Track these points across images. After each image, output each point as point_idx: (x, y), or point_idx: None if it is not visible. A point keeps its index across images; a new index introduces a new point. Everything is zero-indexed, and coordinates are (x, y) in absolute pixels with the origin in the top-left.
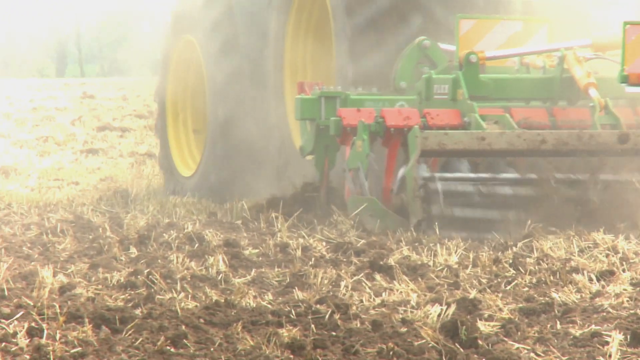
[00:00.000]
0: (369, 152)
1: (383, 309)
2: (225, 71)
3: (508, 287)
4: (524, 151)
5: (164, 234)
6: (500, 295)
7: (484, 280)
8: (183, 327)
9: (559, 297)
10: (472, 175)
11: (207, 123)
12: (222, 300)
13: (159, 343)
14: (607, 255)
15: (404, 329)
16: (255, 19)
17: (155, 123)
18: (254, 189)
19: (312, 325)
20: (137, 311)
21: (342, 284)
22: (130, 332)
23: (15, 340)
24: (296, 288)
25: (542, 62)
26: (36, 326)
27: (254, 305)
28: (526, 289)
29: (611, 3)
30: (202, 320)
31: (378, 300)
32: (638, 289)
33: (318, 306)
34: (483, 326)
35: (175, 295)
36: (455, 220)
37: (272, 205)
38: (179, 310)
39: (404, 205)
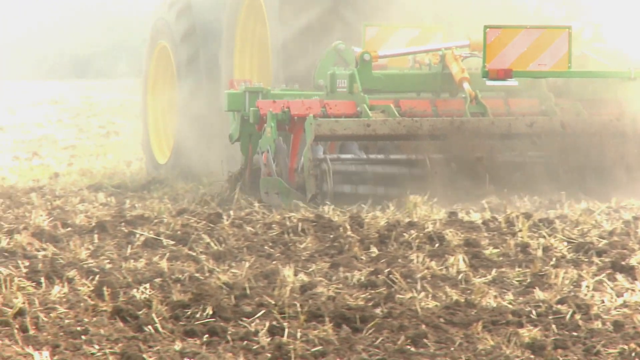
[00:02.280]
0: (276, 137)
1: (625, 310)
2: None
3: None
4: (404, 136)
5: (404, 234)
6: None
7: None
8: (423, 326)
9: None
10: (355, 156)
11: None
12: (463, 300)
13: (399, 342)
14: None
15: None
16: (212, 28)
17: None
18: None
19: (553, 326)
20: (378, 310)
21: (584, 284)
22: (370, 331)
23: (256, 338)
24: (537, 288)
25: (428, 60)
26: (277, 325)
27: (495, 305)
28: None
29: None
30: (442, 320)
31: (620, 301)
32: None
33: (559, 306)
34: None
35: (415, 294)
36: (342, 194)
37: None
38: (419, 310)
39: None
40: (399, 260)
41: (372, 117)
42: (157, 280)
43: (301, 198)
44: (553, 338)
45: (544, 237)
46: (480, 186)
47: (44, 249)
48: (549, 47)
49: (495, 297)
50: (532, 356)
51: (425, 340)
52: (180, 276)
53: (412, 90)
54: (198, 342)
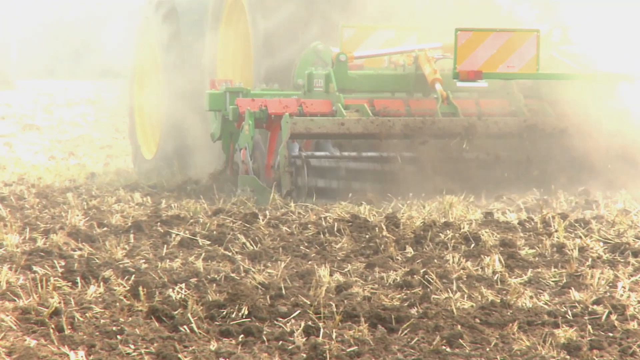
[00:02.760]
0: (254, 134)
1: None
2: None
3: None
4: (376, 134)
5: (440, 234)
6: None
7: None
8: (459, 327)
9: None
10: (329, 154)
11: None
12: (498, 300)
13: (434, 342)
14: None
15: None
16: (196, 29)
17: None
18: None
19: (589, 326)
20: (413, 311)
21: (619, 284)
22: (405, 331)
23: (292, 338)
24: (572, 288)
25: (402, 61)
26: (313, 325)
27: (530, 306)
28: None
29: None
30: (477, 320)
31: None
32: None
33: (595, 307)
34: None
35: (451, 295)
36: (316, 189)
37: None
38: (454, 310)
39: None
40: (435, 260)
41: (347, 116)
42: (193, 280)
43: (275, 191)
44: (589, 339)
45: (580, 237)
46: (448, 182)
47: (80, 249)
48: (517, 50)
49: (531, 297)
50: (567, 357)
51: (460, 341)
52: (215, 276)
53: (387, 90)
54: (233, 342)
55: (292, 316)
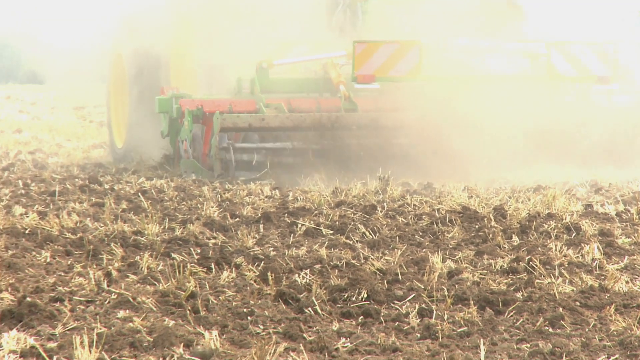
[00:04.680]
0: (192, 128)
1: None
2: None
3: None
4: (292, 127)
5: (544, 224)
6: None
7: None
8: (560, 309)
9: None
10: (253, 145)
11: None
12: (597, 285)
13: (537, 324)
14: None
15: None
16: (154, 49)
17: None
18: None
19: None
20: (518, 294)
21: None
22: (511, 313)
23: (407, 319)
24: None
25: (320, 67)
26: (426, 307)
27: (626, 290)
28: None
29: None
30: (577, 303)
31: None
32: None
33: None
34: None
35: (553, 280)
36: (241, 174)
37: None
38: (556, 294)
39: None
40: (539, 248)
41: (266, 113)
42: (317, 266)
43: (210, 175)
44: None
45: None
46: (350, 167)
47: (214, 238)
48: (404, 58)
49: (627, 282)
50: None
51: (562, 322)
52: (337, 263)
53: (302, 91)
54: (353, 322)
55: (407, 299)
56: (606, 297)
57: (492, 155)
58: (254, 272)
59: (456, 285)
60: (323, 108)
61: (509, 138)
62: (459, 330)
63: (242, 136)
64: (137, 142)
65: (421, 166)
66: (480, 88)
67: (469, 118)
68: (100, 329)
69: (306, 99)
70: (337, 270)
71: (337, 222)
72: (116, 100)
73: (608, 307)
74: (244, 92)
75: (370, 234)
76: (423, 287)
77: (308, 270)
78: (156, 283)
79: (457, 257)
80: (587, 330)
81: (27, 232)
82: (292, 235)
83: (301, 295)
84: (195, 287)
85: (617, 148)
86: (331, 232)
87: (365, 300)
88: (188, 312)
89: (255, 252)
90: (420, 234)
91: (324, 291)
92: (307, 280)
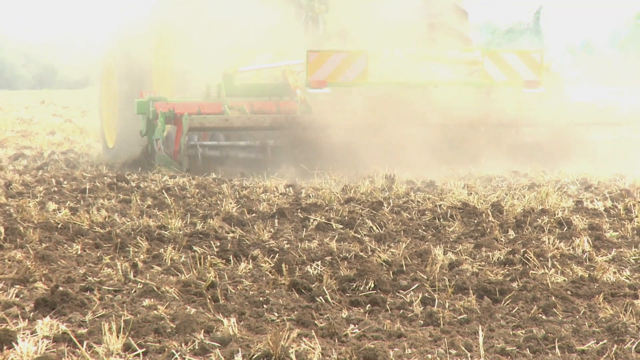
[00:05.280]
0: (164, 128)
1: None
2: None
3: None
4: (253, 127)
5: (538, 219)
6: None
7: None
8: (553, 298)
9: None
10: (219, 143)
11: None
12: (587, 276)
13: (532, 311)
14: None
15: None
16: (139, 58)
17: None
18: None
19: None
20: (514, 284)
21: None
22: (507, 301)
23: (411, 307)
24: None
25: (280, 73)
26: (429, 296)
27: (614, 280)
28: None
29: None
30: (569, 292)
31: None
32: None
33: None
34: None
35: (546, 271)
36: (208, 168)
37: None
38: (549, 284)
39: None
40: (533, 241)
41: (230, 114)
42: (328, 258)
43: (180, 169)
44: None
45: None
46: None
47: (233, 232)
48: (352, 65)
49: (615, 273)
50: None
51: (554, 310)
52: (347, 255)
53: (264, 95)
54: (362, 310)
55: (411, 289)
56: (595, 286)
57: (428, 150)
58: (269, 263)
59: (456, 276)
60: (282, 110)
61: (440, 137)
62: (459, 317)
63: (209, 135)
64: (126, 142)
65: (362, 160)
66: (419, 92)
67: (410, 117)
68: (127, 316)
69: (267, 102)
70: (346, 262)
71: (346, 217)
72: (107, 104)
73: (597, 296)
74: (212, 96)
75: (377, 228)
76: (426, 277)
77: (319, 261)
78: (179, 274)
79: (457, 249)
80: (577, 317)
81: (59, 226)
82: (304, 229)
83: (313, 285)
84: (215, 277)
85: (544, 146)
86: (341, 226)
87: (372, 290)
88: (208, 300)
89: (271, 245)
90: (424, 228)
91: (334, 281)
92: (319, 271)
